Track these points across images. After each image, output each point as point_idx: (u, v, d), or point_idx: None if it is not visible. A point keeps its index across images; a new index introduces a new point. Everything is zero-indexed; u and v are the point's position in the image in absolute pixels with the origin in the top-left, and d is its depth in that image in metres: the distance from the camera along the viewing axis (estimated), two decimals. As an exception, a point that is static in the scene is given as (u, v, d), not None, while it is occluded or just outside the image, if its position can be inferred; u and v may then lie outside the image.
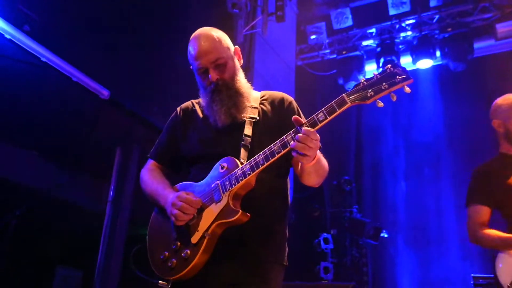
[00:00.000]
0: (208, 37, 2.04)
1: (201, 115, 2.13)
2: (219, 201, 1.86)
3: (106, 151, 5.07)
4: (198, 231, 1.85)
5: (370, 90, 1.73)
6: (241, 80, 2.08)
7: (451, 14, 7.77)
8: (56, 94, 4.30)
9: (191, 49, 2.06)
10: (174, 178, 2.22)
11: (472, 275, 5.21)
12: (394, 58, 7.99)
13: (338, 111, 1.74)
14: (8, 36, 3.42)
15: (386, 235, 7.06)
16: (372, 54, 8.45)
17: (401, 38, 8.23)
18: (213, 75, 1.99)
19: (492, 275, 4.57)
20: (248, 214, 1.83)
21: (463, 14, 7.71)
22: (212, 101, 2.01)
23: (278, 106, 2.11)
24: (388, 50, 8.08)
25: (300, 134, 1.72)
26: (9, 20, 3.42)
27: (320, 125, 1.76)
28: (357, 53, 8.45)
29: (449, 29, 7.66)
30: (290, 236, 2.14)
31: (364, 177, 8.21)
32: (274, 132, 1.91)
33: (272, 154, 1.80)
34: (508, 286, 2.78)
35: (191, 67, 2.12)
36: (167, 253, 1.91)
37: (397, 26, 8.16)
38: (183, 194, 1.89)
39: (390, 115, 8.36)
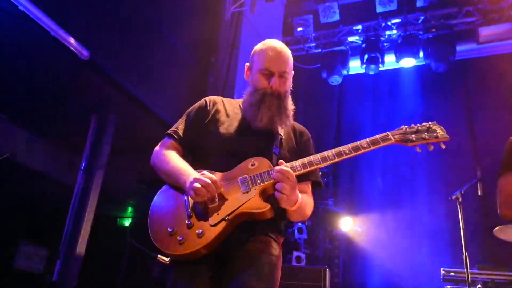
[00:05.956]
0: (285, 51, 2.21)
1: (229, 113, 2.24)
2: (246, 193, 1.93)
3: (80, 117, 4.87)
4: (218, 214, 1.90)
5: (413, 136, 2.05)
6: (289, 99, 2.24)
7: (436, 16, 7.88)
8: (31, 49, 4.08)
9: (265, 50, 2.19)
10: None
11: (442, 269, 5.24)
12: (378, 55, 8.05)
13: (381, 144, 2.03)
14: (-16, -23, 3.23)
15: (359, 229, 7.08)
16: (357, 51, 8.48)
17: (386, 36, 8.31)
18: (275, 82, 2.14)
19: (462, 269, 4.61)
20: (272, 212, 1.92)
21: (448, 17, 7.83)
22: (262, 102, 2.12)
23: (299, 135, 2.32)
24: (372, 47, 8.14)
25: (277, 168, 1.93)
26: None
27: (362, 151, 2.01)
28: (342, 47, 8.48)
29: (433, 30, 7.77)
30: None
31: (341, 171, 8.22)
32: (292, 153, 2.17)
33: (311, 164, 1.99)
34: None
35: (248, 63, 2.28)
36: (176, 228, 1.91)
37: (383, 24, 8.22)
38: (208, 173, 1.95)
39: (370, 112, 8.39)
